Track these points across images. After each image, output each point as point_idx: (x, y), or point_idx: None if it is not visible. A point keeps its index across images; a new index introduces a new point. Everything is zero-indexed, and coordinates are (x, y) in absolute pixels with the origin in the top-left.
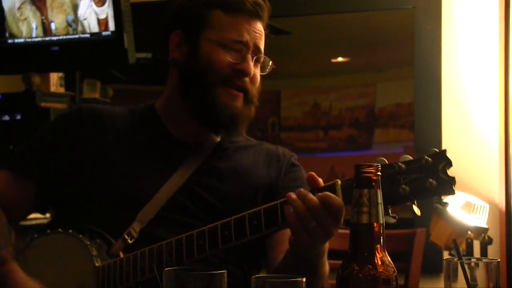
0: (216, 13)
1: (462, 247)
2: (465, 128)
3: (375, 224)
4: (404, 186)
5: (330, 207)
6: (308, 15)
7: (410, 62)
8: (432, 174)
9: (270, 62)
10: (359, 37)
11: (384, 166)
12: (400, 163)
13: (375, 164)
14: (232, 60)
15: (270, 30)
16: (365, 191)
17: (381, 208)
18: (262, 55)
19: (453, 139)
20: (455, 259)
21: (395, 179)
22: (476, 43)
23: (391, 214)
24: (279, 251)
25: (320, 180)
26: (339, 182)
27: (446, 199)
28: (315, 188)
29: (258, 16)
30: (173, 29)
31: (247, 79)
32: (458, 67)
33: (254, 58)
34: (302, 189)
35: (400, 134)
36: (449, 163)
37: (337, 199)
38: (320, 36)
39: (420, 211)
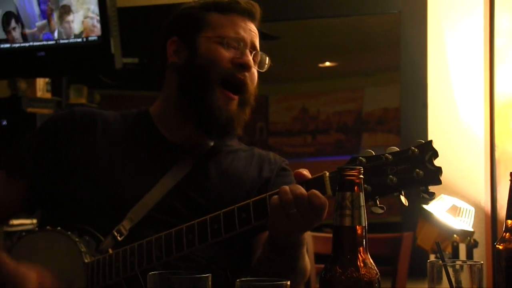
0: (212, 14)
1: (448, 250)
2: (451, 132)
3: (357, 226)
4: (391, 176)
5: (315, 204)
6: (295, 20)
7: (398, 66)
8: (418, 164)
9: (267, 58)
10: (347, 42)
11: (371, 157)
12: (387, 154)
13: (358, 168)
14: (231, 56)
15: (259, 35)
16: (348, 194)
17: (363, 211)
18: (259, 52)
19: (439, 143)
20: (439, 261)
21: (382, 170)
22: (461, 47)
23: (379, 205)
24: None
25: (307, 174)
26: (327, 173)
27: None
28: (303, 181)
29: (252, 16)
30: (170, 36)
31: (247, 74)
32: (444, 72)
33: (253, 54)
34: (293, 184)
35: (387, 139)
36: (435, 154)
37: (322, 198)
38: (308, 41)
39: (408, 202)
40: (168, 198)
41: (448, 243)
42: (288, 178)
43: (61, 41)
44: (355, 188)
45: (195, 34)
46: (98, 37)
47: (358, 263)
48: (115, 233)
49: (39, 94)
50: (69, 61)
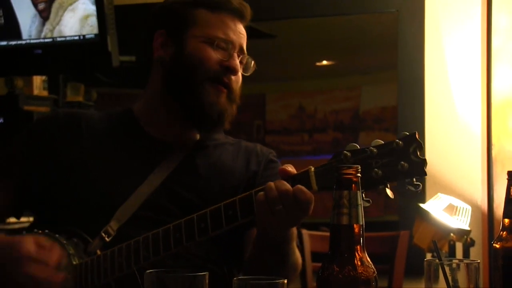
0: (201, 11)
1: (445, 249)
2: (448, 131)
3: (355, 225)
4: (376, 169)
5: (300, 201)
6: (292, 18)
7: (395, 65)
8: (403, 156)
9: (253, 62)
10: (344, 40)
11: (356, 151)
12: (371, 148)
13: (355, 166)
14: (219, 57)
15: (255, 34)
16: (345, 192)
17: (361, 210)
18: (246, 55)
19: (436, 142)
20: (436, 260)
21: (367, 163)
22: (459, 46)
23: (365, 198)
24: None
25: (292, 171)
26: (312, 169)
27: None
28: (289, 176)
29: (242, 17)
30: (157, 29)
31: (232, 77)
32: (442, 70)
33: (240, 57)
34: (278, 180)
35: (385, 137)
36: (419, 146)
37: (308, 193)
38: (305, 39)
39: (393, 194)
40: (155, 195)
41: (445, 242)
42: (276, 170)
43: (58, 39)
44: (353, 186)
45: (183, 30)
46: (95, 35)
47: (356, 261)
48: (103, 234)
49: (36, 92)
50: (66, 59)
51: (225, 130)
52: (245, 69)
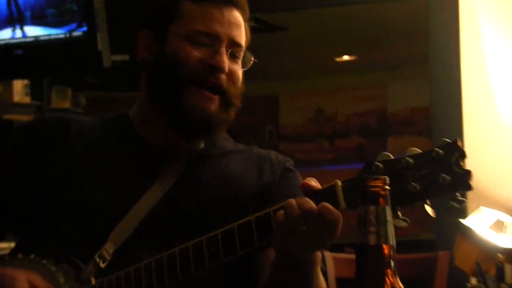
0: (185, 3)
1: (492, 271)
2: (490, 135)
3: (384, 245)
4: (413, 183)
5: (327, 220)
6: (308, 8)
7: (426, 59)
8: (444, 168)
9: (252, 57)
10: (367, 32)
11: (389, 161)
12: (407, 158)
13: (382, 177)
14: (202, 56)
15: (265, 27)
16: (372, 208)
17: (390, 227)
18: (241, 48)
19: (476, 147)
20: (481, 285)
21: (403, 175)
22: (499, 36)
23: (401, 217)
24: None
25: (315, 185)
26: (339, 183)
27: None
28: (312, 192)
29: (231, 3)
30: (142, 28)
31: (223, 76)
32: (480, 65)
33: (229, 51)
34: (301, 197)
35: (416, 142)
36: (462, 155)
37: (335, 212)
38: (322, 32)
39: (434, 212)
40: (156, 211)
41: (491, 263)
42: (294, 180)
43: (41, 38)
44: (380, 200)
45: (166, 27)
46: (83, 32)
47: (386, 287)
48: (97, 259)
49: (16, 98)
50: (50, 60)
51: (233, 136)
52: (243, 64)
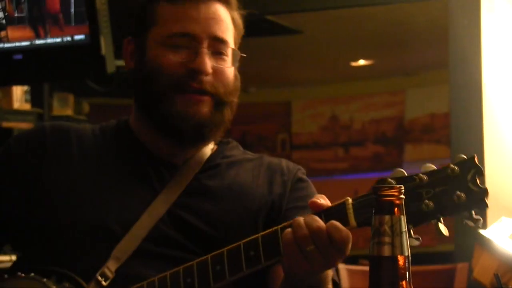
0: (161, 6)
1: (511, 284)
2: None
3: (399, 256)
4: (427, 201)
5: (335, 239)
6: (322, 9)
7: (446, 63)
8: (459, 185)
9: (239, 54)
10: (384, 35)
11: (402, 178)
12: (421, 175)
13: (397, 186)
14: (181, 60)
15: (277, 30)
16: (387, 218)
17: (405, 238)
18: (225, 43)
19: (497, 155)
20: None
21: (416, 193)
22: None
23: (413, 236)
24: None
25: (324, 203)
26: (350, 200)
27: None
28: (321, 210)
29: None
30: (126, 36)
31: (206, 78)
32: (502, 68)
33: (212, 51)
34: (309, 215)
35: (435, 151)
36: (479, 172)
37: (344, 231)
38: (338, 35)
39: (448, 230)
40: (160, 226)
41: (511, 275)
42: (306, 191)
43: (42, 42)
44: (395, 210)
45: (144, 33)
46: (86, 35)
47: None
48: (99, 278)
49: (16, 105)
50: (51, 65)
51: (243, 145)
52: (229, 62)
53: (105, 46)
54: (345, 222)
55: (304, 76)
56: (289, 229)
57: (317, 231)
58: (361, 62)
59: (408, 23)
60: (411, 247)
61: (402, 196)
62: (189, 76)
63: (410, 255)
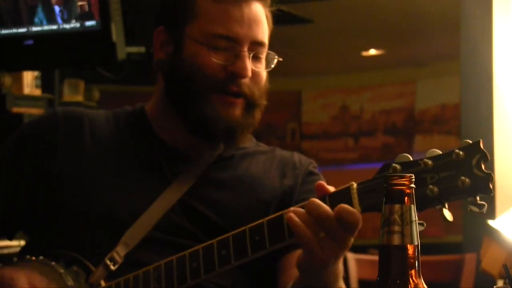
0: (202, 2)
1: None
2: None
3: (408, 245)
4: (431, 186)
5: (346, 223)
6: None
7: (457, 54)
8: (464, 170)
9: (276, 57)
10: (395, 25)
11: (407, 163)
12: (426, 160)
13: (408, 175)
14: (222, 62)
15: (288, 19)
16: (397, 207)
17: (415, 227)
18: (264, 47)
19: (507, 146)
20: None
21: (421, 178)
22: None
23: (418, 221)
24: (290, 275)
25: (330, 187)
26: (355, 185)
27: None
28: (325, 195)
29: None
30: (158, 25)
31: (245, 81)
32: None
33: (252, 54)
34: (312, 200)
35: (445, 141)
36: (484, 157)
37: (354, 212)
38: (348, 25)
39: (453, 216)
40: (171, 214)
41: None
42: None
43: (53, 27)
44: (406, 199)
45: (182, 27)
46: (97, 22)
47: None
48: (108, 262)
49: (26, 90)
50: (62, 51)
51: (257, 136)
52: (266, 64)
53: (116, 32)
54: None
55: (315, 65)
56: (295, 218)
57: (324, 216)
58: (372, 52)
59: (420, 13)
60: (424, 233)
61: (413, 185)
62: (229, 79)
63: (419, 244)
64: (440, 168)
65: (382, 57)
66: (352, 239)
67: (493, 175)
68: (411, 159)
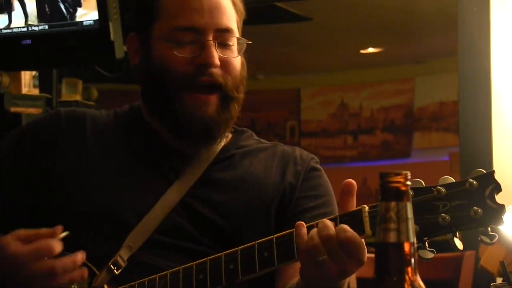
0: None
1: None
2: None
3: (405, 242)
4: (443, 214)
5: (344, 244)
6: None
7: (455, 51)
8: (477, 200)
9: (246, 41)
10: (394, 22)
11: (420, 190)
12: (439, 187)
13: (404, 172)
14: (188, 56)
15: (287, 17)
16: (392, 204)
17: (411, 224)
18: (231, 34)
19: (505, 142)
20: (506, 285)
21: (433, 206)
22: None
23: (428, 248)
24: (288, 277)
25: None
26: (367, 208)
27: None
28: (337, 216)
29: None
30: (130, 31)
31: (215, 70)
32: (511, 57)
33: (217, 42)
34: (322, 220)
35: (444, 139)
36: (497, 188)
37: (353, 234)
38: (347, 22)
39: (463, 243)
40: (173, 216)
41: None
42: (319, 180)
43: (51, 27)
44: (402, 197)
45: (149, 28)
46: (95, 21)
47: (406, 286)
48: (111, 266)
49: (24, 90)
50: (60, 50)
51: (256, 132)
52: (235, 51)
53: (114, 31)
54: (361, 231)
55: (314, 63)
56: (302, 238)
57: (328, 238)
58: (371, 49)
59: (418, 10)
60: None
61: (409, 182)
62: (198, 71)
63: (416, 241)
64: (452, 196)
65: (380, 55)
66: (357, 265)
67: (506, 208)
68: (424, 185)
